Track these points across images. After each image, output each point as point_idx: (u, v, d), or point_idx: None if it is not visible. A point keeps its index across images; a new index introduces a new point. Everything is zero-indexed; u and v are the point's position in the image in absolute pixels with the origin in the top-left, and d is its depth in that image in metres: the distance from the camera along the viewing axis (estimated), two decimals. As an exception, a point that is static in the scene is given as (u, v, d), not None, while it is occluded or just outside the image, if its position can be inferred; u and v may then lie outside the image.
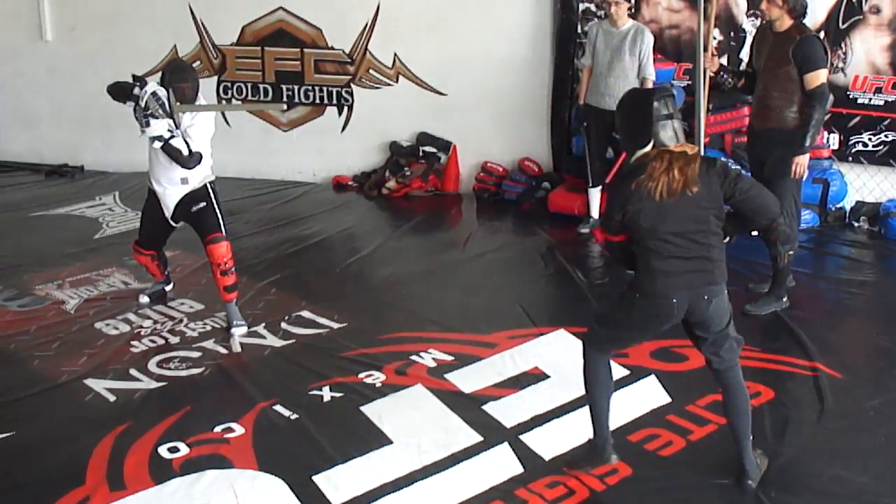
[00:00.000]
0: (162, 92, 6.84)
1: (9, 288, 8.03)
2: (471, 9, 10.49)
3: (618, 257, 5.14)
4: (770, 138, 7.29)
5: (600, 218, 4.99)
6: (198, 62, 11.53)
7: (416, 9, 10.75)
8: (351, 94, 11.30)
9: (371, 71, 11.15)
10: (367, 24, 11.00)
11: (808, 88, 7.09)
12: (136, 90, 6.84)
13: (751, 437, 5.11)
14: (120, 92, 6.95)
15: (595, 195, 9.55)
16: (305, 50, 11.28)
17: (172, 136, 6.87)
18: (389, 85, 11.13)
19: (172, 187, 7.17)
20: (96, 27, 11.78)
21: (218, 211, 7.22)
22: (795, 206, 7.43)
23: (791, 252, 7.39)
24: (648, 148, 4.83)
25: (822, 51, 7.21)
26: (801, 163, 7.19)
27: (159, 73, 7.12)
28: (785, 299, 7.50)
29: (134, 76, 6.98)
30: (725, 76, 8.27)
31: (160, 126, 6.85)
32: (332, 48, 11.20)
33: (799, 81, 7.13)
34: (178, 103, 6.84)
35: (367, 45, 11.07)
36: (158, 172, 7.16)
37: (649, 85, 9.03)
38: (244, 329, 7.15)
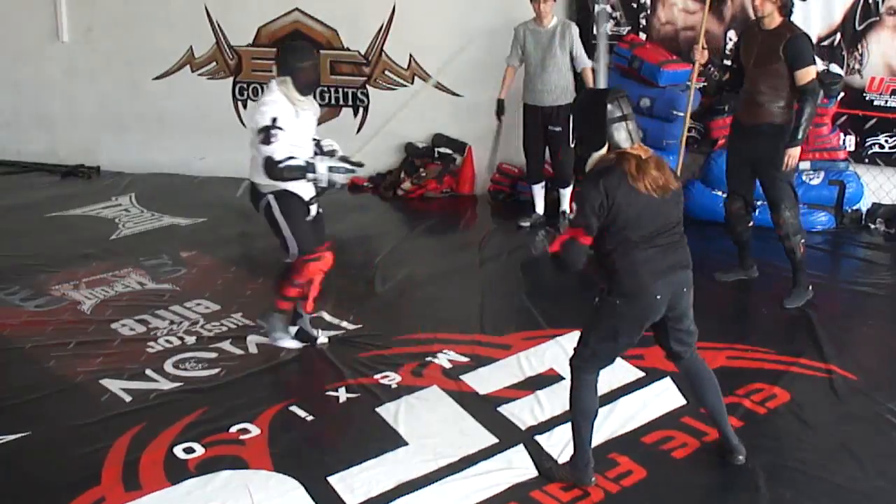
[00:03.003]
0: (335, 162, 6.68)
1: (25, 288, 8.05)
2: (487, 10, 10.48)
3: (574, 258, 4.96)
4: (760, 133, 7.47)
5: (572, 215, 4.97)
6: (213, 63, 11.56)
7: (431, 10, 10.75)
8: (366, 95, 11.30)
9: (386, 72, 11.16)
10: (382, 26, 11.00)
11: (799, 84, 7.30)
12: (310, 174, 6.51)
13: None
14: (296, 173, 6.51)
15: (538, 192, 9.87)
16: (321, 51, 11.26)
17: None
18: (405, 86, 11.13)
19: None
20: (113, 28, 11.81)
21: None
22: (795, 196, 7.61)
23: (803, 241, 7.59)
24: (604, 150, 4.90)
25: (812, 47, 7.48)
26: (793, 155, 7.39)
27: (274, 59, 6.74)
28: (810, 287, 7.64)
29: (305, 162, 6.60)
30: (712, 69, 8.44)
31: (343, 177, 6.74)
32: (348, 49, 11.20)
33: (788, 78, 7.33)
34: (352, 157, 6.82)
35: (382, 47, 11.08)
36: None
37: (590, 75, 9.36)
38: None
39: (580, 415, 5.10)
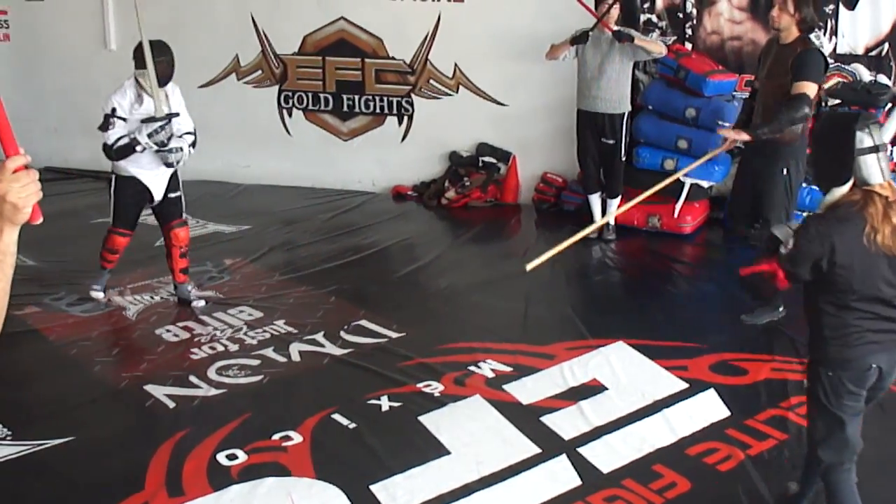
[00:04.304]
0: (149, 128, 7.41)
1: (71, 294, 8.10)
2: (532, 20, 10.45)
3: (758, 289, 4.40)
4: (769, 150, 7.19)
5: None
6: (259, 71, 11.62)
7: (477, 19, 10.74)
8: (411, 104, 11.31)
9: (431, 81, 11.17)
10: (427, 35, 11.02)
11: (791, 93, 6.97)
12: (138, 147, 7.40)
13: None
14: (127, 150, 7.43)
15: (595, 201, 9.73)
16: (366, 60, 11.31)
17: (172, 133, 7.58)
18: (450, 95, 11.13)
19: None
20: (160, 36, 11.74)
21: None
22: (787, 217, 7.21)
23: None
24: (847, 187, 4.19)
25: (820, 67, 7.09)
26: (730, 136, 7.37)
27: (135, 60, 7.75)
28: (781, 308, 7.32)
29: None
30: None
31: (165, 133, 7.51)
32: (393, 58, 11.23)
33: None
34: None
35: (427, 56, 11.09)
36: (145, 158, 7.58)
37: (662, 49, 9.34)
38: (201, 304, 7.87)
39: None
